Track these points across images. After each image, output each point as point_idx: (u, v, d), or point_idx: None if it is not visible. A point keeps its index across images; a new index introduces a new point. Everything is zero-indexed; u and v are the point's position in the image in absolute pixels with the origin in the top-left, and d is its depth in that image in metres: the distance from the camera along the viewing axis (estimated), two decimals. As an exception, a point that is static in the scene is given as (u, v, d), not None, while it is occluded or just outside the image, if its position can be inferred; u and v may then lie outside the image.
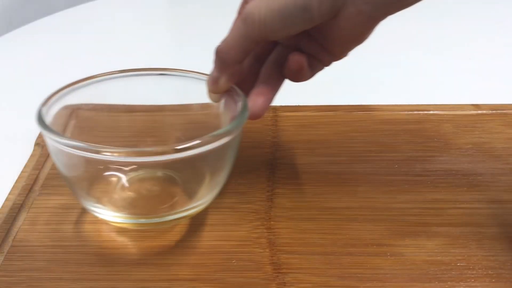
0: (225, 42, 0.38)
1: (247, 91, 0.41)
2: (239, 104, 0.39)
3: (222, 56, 0.38)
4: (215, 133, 0.36)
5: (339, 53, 0.40)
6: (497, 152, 0.47)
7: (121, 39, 0.77)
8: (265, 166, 0.46)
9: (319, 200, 0.43)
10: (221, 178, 0.39)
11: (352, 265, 0.37)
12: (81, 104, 0.43)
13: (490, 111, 0.53)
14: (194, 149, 0.35)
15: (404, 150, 0.48)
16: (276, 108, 0.54)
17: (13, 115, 0.56)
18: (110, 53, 0.73)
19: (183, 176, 0.41)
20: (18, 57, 0.72)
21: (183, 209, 0.39)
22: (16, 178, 0.46)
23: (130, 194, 0.41)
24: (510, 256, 0.38)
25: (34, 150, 0.49)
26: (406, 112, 0.52)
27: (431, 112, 0.52)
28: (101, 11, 0.86)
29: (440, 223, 0.40)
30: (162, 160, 0.35)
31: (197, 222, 0.41)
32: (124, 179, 0.41)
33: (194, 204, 0.39)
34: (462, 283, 0.36)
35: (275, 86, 0.41)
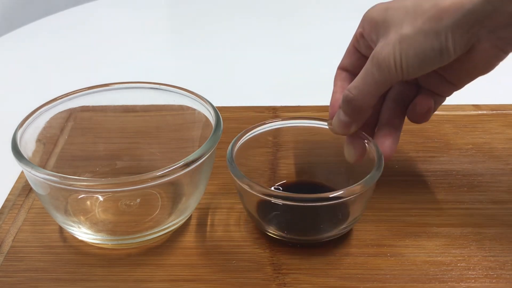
0: (357, 89, 0.37)
1: (367, 127, 0.41)
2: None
3: (356, 104, 0.38)
4: (190, 157, 0.36)
5: (462, 84, 0.40)
6: (497, 153, 0.47)
7: (121, 39, 0.77)
8: (265, 166, 0.46)
9: (319, 200, 0.43)
10: (199, 191, 0.40)
11: (352, 266, 0.37)
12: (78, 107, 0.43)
13: (490, 111, 0.53)
14: (171, 175, 0.35)
15: (404, 150, 0.48)
16: (276, 108, 0.54)
17: (13, 115, 0.56)
18: (110, 53, 0.73)
19: (162, 191, 0.41)
20: (18, 57, 0.72)
21: (165, 226, 0.39)
22: (16, 178, 0.46)
23: (108, 215, 0.40)
24: (510, 257, 0.38)
25: (36, 146, 0.49)
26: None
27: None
28: (101, 11, 0.86)
29: (440, 223, 0.40)
30: (140, 187, 0.35)
31: (197, 223, 0.41)
32: (101, 198, 0.41)
33: (176, 219, 0.39)
34: (462, 284, 0.36)
35: (398, 126, 0.41)
